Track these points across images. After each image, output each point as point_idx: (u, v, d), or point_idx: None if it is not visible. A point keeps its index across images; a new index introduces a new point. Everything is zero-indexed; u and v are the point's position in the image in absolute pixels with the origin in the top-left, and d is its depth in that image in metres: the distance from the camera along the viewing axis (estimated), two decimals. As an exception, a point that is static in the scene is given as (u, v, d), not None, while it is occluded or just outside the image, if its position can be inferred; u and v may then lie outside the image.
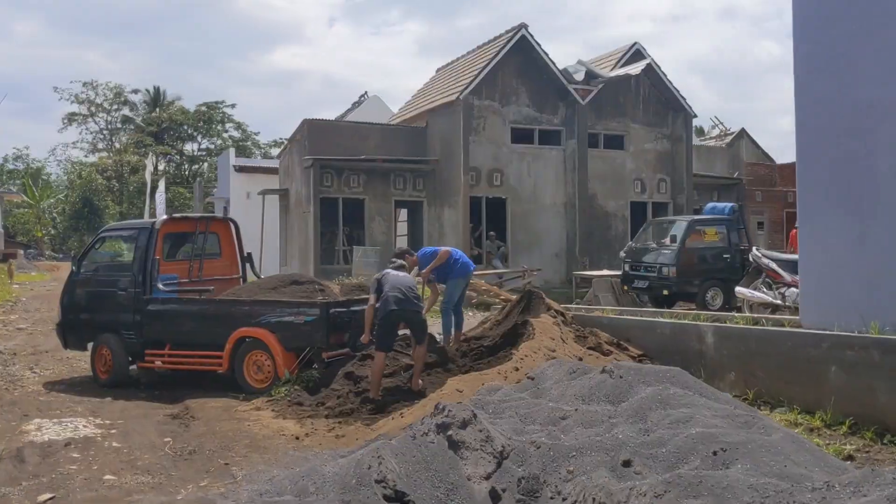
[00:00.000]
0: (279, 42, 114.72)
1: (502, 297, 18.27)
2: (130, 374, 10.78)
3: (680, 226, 18.42)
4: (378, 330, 8.72)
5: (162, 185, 40.11)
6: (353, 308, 9.80)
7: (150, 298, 10.41)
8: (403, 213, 27.76)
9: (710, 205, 19.94)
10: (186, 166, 62.37)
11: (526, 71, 25.06)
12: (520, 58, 24.94)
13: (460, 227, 23.83)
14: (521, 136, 25.26)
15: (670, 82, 26.38)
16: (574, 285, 21.72)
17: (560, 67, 25.32)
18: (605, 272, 21.44)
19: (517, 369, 8.12)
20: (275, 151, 55.58)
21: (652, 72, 26.25)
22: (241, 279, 11.96)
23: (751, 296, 10.81)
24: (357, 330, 9.93)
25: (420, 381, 8.87)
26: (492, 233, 24.81)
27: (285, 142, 27.58)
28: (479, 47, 27.62)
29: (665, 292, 17.99)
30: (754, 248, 11.92)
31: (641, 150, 26.67)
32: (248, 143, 61.82)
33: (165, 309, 10.37)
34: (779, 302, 10.46)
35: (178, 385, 10.45)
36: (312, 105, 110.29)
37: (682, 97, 26.58)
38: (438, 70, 31.25)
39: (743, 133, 42.28)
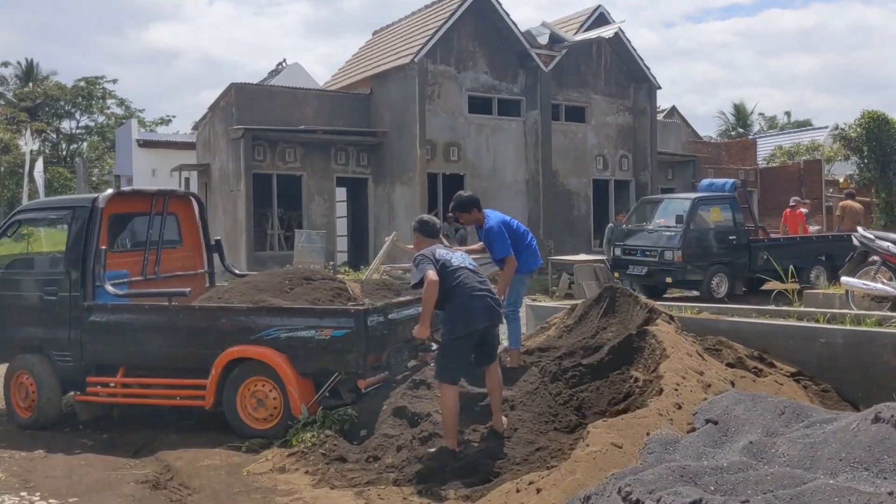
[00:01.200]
0: (157, 19, 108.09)
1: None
2: (63, 410, 7.76)
3: (683, 204, 16.33)
4: (450, 350, 6.06)
5: (40, 164, 35.47)
6: (392, 316, 7.10)
7: (94, 305, 7.37)
8: (343, 193, 24.78)
9: (706, 181, 17.96)
10: (64, 145, 56.92)
11: (484, 33, 22.46)
12: (478, 18, 22.33)
13: (417, 207, 21.09)
14: (478, 105, 22.71)
15: (634, 50, 24.33)
16: (550, 273, 19.38)
17: (522, 30, 22.86)
18: (586, 257, 19.23)
19: (679, 406, 5.61)
20: (162, 130, 51.44)
21: (616, 38, 24.12)
22: (209, 275, 9.02)
23: (868, 288, 8.71)
24: (397, 346, 7.24)
25: (504, 419, 6.29)
26: (451, 214, 22.12)
27: (207, 112, 24.09)
28: (426, 7, 24.83)
29: (668, 279, 15.90)
30: (860, 229, 9.88)
31: (603, 124, 24.57)
32: (134, 120, 56.82)
33: (116, 320, 7.34)
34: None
35: (136, 424, 7.50)
36: (193, 85, 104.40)
37: (647, 67, 24.58)
38: (376, 33, 28.26)
39: (674, 110, 41.17)
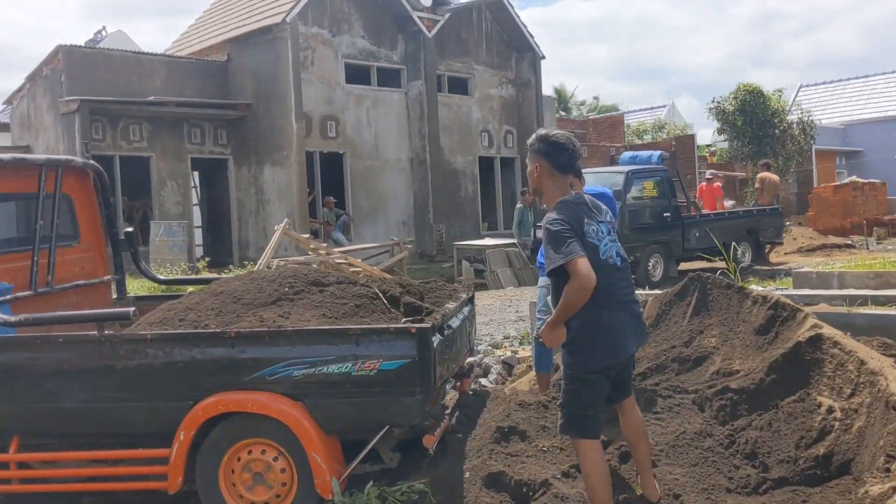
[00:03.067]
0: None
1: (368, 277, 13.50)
2: None
3: (615, 179, 14.69)
4: (581, 390, 3.74)
5: None
6: (449, 331, 4.73)
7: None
8: (197, 177, 21.45)
9: (629, 154, 16.49)
10: None
11: (360, -9, 19.96)
12: (352, -26, 19.79)
13: (294, 191, 18.34)
14: (356, 74, 20.16)
15: (517, 15, 22.60)
16: (457, 260, 17.30)
17: (402, -11, 20.51)
18: (496, 242, 17.31)
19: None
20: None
21: (498, 2, 22.26)
22: (117, 284, 6.18)
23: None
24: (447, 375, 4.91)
25: (654, 481, 4.14)
26: (330, 198, 19.56)
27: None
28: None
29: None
30: None
31: (487, 97, 22.70)
32: None
33: (3, 364, 4.50)
34: None
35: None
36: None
37: (531, 34, 22.93)
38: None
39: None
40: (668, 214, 14.71)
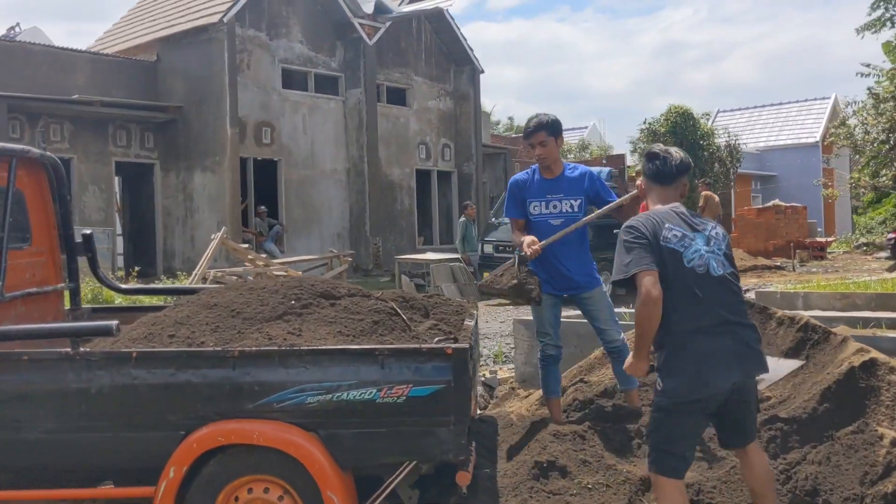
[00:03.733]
0: None
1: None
2: None
3: (567, 194, 14.41)
4: (668, 420, 3.30)
5: None
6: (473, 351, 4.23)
7: None
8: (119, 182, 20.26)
9: (514, 179, 16.25)
10: None
11: (299, -6, 19.28)
12: (291, -23, 19.11)
13: (226, 198, 17.47)
14: (293, 80, 19.44)
15: (458, 27, 22.29)
16: (398, 274, 16.73)
17: (342, -5, 19.93)
18: (440, 256, 16.82)
19: None
20: None
21: (439, 14, 21.90)
22: (72, 293, 5.45)
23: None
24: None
25: None
26: (262, 207, 18.74)
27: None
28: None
29: (557, 279, 13.92)
30: None
31: (425, 109, 22.28)
32: None
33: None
34: None
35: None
36: None
37: (470, 48, 22.65)
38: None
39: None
40: (618, 231, 14.51)
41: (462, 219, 16.18)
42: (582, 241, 5.09)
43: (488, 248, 14.79)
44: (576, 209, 4.93)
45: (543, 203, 4.95)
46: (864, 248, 26.15)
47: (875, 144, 20.79)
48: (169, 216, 18.81)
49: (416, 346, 3.75)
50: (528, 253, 4.71)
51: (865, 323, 6.92)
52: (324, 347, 3.71)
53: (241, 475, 3.75)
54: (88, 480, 3.84)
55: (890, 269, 10.15)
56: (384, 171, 20.91)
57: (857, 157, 27.49)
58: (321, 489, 3.66)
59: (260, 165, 18.80)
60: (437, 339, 3.87)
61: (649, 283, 3.19)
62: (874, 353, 4.43)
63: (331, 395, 3.66)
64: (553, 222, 4.95)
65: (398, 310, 4.22)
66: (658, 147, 3.61)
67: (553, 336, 5.09)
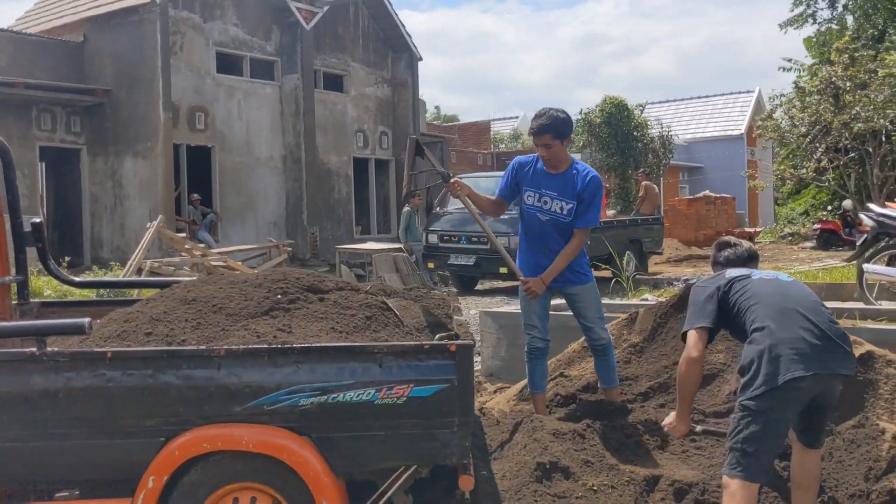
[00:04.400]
0: None
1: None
2: None
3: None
4: (756, 419, 3.18)
5: None
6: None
7: None
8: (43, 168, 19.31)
9: (517, 160, 16.16)
10: None
11: (234, -24, 18.65)
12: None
13: (159, 186, 16.80)
14: (228, 64, 18.83)
15: (395, 14, 21.94)
16: (338, 264, 16.39)
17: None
18: (382, 246, 16.55)
19: None
20: None
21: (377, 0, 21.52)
22: (21, 286, 5.03)
23: (900, 277, 7.22)
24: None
25: None
26: (195, 195, 18.11)
27: None
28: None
29: (503, 270, 13.80)
30: (872, 206, 8.43)
31: (363, 96, 21.89)
32: None
33: None
34: (960, 285, 7.06)
35: None
36: None
37: (408, 34, 22.34)
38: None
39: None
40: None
41: (406, 208, 15.91)
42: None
43: (433, 238, 14.58)
44: (565, 213, 4.75)
45: (537, 195, 4.79)
46: (790, 238, 26.87)
47: (797, 137, 21.37)
48: (97, 204, 18.03)
49: (418, 343, 3.52)
50: (529, 294, 4.78)
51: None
52: (318, 345, 3.46)
53: (227, 483, 3.48)
54: (63, 487, 3.52)
55: (849, 259, 10.32)
56: (321, 158, 20.48)
57: (779, 149, 28.34)
58: (315, 497, 3.42)
59: (193, 152, 18.17)
60: (438, 335, 3.65)
61: (694, 342, 3.37)
62: (869, 346, 4.41)
63: (326, 397, 3.42)
64: (541, 217, 4.80)
65: (389, 304, 3.98)
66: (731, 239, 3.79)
67: (541, 329, 4.95)
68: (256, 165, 19.20)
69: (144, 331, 3.61)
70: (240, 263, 13.82)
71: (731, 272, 3.53)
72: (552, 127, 4.62)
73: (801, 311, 3.27)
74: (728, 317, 3.41)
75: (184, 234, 14.40)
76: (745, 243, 3.76)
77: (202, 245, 14.12)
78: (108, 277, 12.33)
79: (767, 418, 3.14)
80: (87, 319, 3.46)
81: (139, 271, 12.46)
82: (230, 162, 18.64)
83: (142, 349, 3.44)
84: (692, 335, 3.35)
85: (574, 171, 4.76)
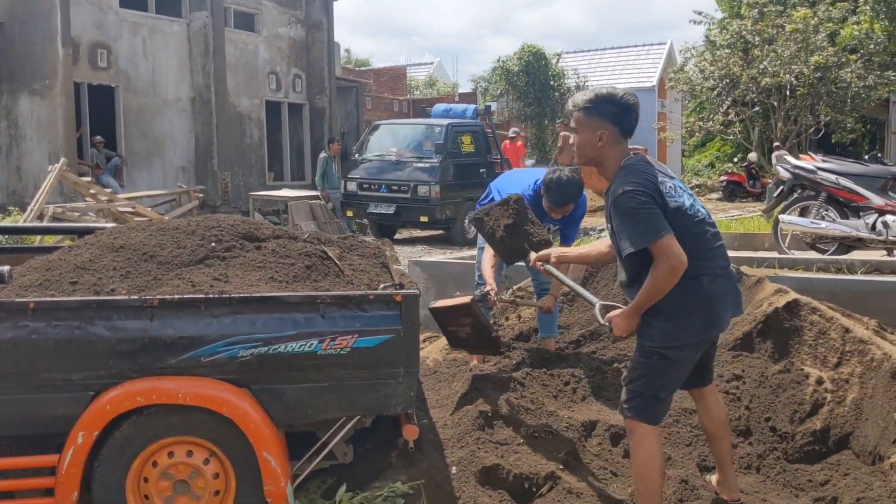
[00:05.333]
0: None
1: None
2: None
3: (437, 132, 14.18)
4: (659, 367, 3.17)
5: None
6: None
7: None
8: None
9: (442, 107, 16.01)
10: None
11: None
12: None
13: (59, 127, 15.93)
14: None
15: (309, -49, 21.20)
16: (253, 211, 16.00)
17: None
18: (297, 193, 16.20)
19: None
20: None
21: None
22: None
23: (819, 228, 7.41)
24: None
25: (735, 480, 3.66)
26: (98, 137, 17.25)
27: None
28: None
29: (423, 218, 13.71)
30: (788, 157, 8.53)
31: (275, 36, 21.16)
32: None
33: None
34: (868, 236, 7.29)
35: None
36: None
37: (323, -27, 21.65)
38: None
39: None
40: (484, 171, 14.50)
41: (323, 154, 15.58)
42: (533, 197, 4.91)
43: (352, 186, 14.34)
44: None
45: None
46: (697, 189, 27.62)
47: (706, 90, 21.83)
48: (-10, 146, 17.01)
49: (363, 293, 3.42)
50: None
51: (737, 262, 7.15)
52: (258, 295, 3.31)
53: (161, 438, 3.35)
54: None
55: (765, 211, 10.60)
56: (232, 101, 19.79)
57: (689, 102, 28.91)
58: (256, 450, 3.32)
59: (95, 91, 17.26)
60: (382, 285, 3.55)
61: (678, 247, 2.99)
62: (795, 294, 4.52)
63: (266, 348, 3.30)
64: None
65: (330, 253, 3.85)
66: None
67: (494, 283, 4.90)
68: (163, 107, 18.41)
69: (69, 279, 3.38)
70: (149, 209, 13.31)
71: (668, 186, 3.17)
72: (573, 197, 4.64)
73: (725, 257, 3.31)
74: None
75: (88, 179, 13.73)
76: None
77: (108, 190, 13.50)
78: (8, 223, 11.71)
79: (681, 365, 3.18)
80: (6, 267, 3.22)
81: (41, 217, 11.86)
82: (135, 103, 17.81)
83: (68, 299, 3.23)
84: (671, 242, 2.97)
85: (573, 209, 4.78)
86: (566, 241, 4.87)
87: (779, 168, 8.22)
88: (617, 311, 3.23)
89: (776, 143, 17.52)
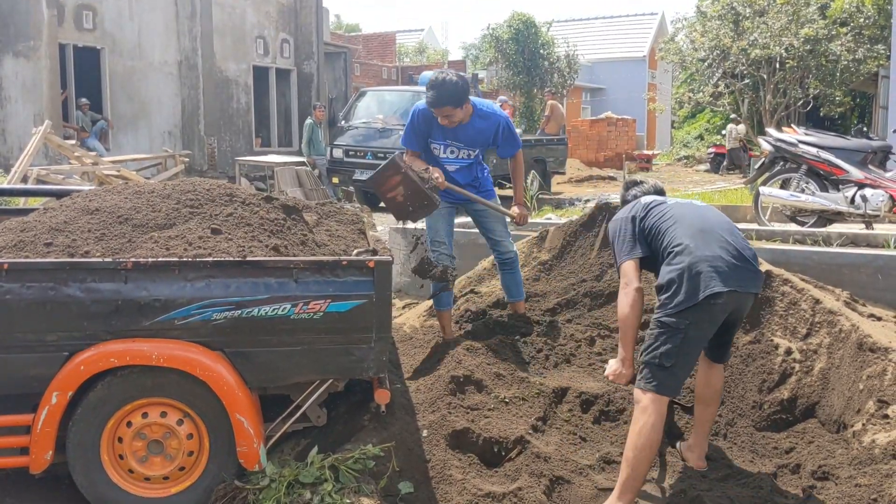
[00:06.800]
0: None
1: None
2: None
3: (419, 99, 14.06)
4: (674, 334, 3.25)
5: None
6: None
7: None
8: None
9: (428, 74, 15.76)
10: None
11: None
12: None
13: (44, 88, 15.78)
14: (117, -41, 17.60)
15: (299, -87, 20.90)
16: (238, 176, 15.94)
17: None
18: (284, 158, 16.14)
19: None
20: None
21: None
22: None
23: (799, 200, 7.45)
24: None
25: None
26: (84, 100, 17.09)
27: None
28: None
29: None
30: (770, 130, 8.55)
31: (263, 0, 20.95)
32: None
33: None
34: (847, 209, 7.33)
35: None
36: None
37: (312, -65, 21.36)
38: None
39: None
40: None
41: (309, 120, 15.50)
42: (478, 160, 4.93)
43: (337, 153, 14.29)
44: (472, 157, 4.80)
45: (442, 146, 4.74)
46: (685, 160, 27.68)
47: (696, 62, 21.79)
48: (-25, 109, 16.82)
49: (336, 258, 3.45)
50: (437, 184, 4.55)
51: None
52: (232, 259, 3.34)
53: (135, 399, 3.40)
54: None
55: (746, 182, 10.66)
56: (219, 65, 19.61)
57: (679, 73, 28.84)
58: (229, 411, 3.38)
59: (81, 53, 17.07)
60: (356, 251, 3.58)
61: (633, 274, 3.42)
62: (767, 265, 4.58)
63: (239, 312, 3.34)
64: (449, 167, 4.78)
65: (306, 219, 3.87)
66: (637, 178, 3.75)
67: (447, 245, 4.92)
68: (150, 70, 18.24)
69: (44, 241, 3.40)
70: (134, 173, 13.25)
71: (646, 199, 3.59)
72: (451, 98, 4.45)
73: (718, 231, 3.36)
74: (646, 242, 3.46)
75: (73, 142, 13.63)
76: (651, 180, 3.83)
77: (93, 153, 13.42)
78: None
79: (686, 335, 3.22)
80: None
81: (24, 179, 11.79)
82: (121, 66, 17.63)
83: (42, 261, 3.25)
84: (628, 266, 3.40)
85: (480, 120, 4.70)
86: (508, 152, 4.86)
87: (761, 140, 8.25)
88: (614, 364, 3.55)
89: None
